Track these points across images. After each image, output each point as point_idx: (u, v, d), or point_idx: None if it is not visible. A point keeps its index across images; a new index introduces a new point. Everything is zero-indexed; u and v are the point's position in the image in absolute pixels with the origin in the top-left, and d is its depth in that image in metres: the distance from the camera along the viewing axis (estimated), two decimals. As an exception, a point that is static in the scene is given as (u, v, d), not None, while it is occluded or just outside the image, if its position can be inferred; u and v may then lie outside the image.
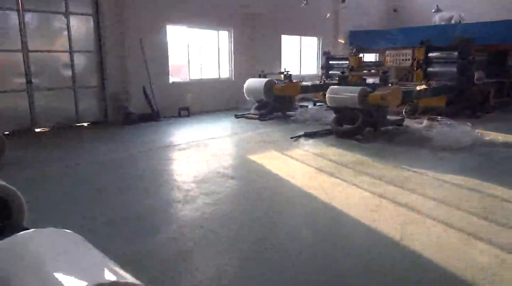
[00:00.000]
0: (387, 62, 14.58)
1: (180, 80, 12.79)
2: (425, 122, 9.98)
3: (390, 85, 9.02)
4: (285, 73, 11.65)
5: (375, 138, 8.49)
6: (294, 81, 11.73)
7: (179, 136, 9.21)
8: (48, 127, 10.21)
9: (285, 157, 7.03)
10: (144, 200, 4.98)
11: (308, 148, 7.81)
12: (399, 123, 9.44)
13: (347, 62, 14.24)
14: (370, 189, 5.26)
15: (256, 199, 5.04)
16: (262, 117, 11.27)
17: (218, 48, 13.50)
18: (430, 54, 12.01)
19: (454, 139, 7.87)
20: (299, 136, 8.65)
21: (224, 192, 5.25)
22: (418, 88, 9.65)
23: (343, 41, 17.35)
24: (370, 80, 13.92)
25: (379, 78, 8.95)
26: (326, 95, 8.84)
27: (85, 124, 10.89)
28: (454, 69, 11.49)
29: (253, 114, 11.58)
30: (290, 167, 6.37)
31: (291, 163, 6.65)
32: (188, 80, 12.82)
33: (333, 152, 7.44)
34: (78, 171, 6.36)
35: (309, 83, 12.52)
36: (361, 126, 8.47)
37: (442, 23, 15.65)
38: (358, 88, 8.34)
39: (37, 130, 10.05)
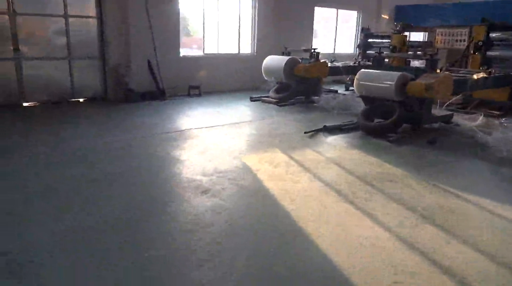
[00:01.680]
0: (437, 42, 12.23)
1: (192, 55, 11.17)
2: (481, 119, 7.89)
3: (438, 71, 6.97)
4: (311, 51, 9.73)
5: (413, 139, 6.58)
6: (321, 60, 9.81)
7: (175, 121, 7.67)
8: (38, 102, 8.97)
9: (289, 161, 5.32)
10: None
11: (323, 149, 6.05)
12: (447, 119, 7.42)
13: (389, 41, 12.06)
14: (397, 230, 3.50)
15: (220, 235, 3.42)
16: (280, 102, 9.51)
17: (239, 20, 11.70)
18: (492, 35, 9.66)
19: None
20: (316, 131, 6.87)
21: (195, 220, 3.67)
22: (475, 76, 7.53)
23: (387, 17, 15.00)
24: (415, 63, 11.76)
25: (425, 62, 6.91)
26: (354, 81, 6.95)
27: (81, 100, 9.58)
28: (521, 54, 9.15)
29: (271, 98, 9.84)
30: (290, 181, 4.67)
31: (295, 172, 4.94)
32: (202, 54, 11.17)
33: (354, 157, 5.65)
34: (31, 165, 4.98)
35: (339, 64, 10.54)
36: (396, 122, 6.57)
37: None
38: (396, 74, 6.39)
39: (26, 104, 8.83)
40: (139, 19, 9.60)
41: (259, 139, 6.53)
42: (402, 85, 6.37)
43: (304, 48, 10.45)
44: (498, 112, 8.81)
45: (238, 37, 11.80)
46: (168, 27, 10.21)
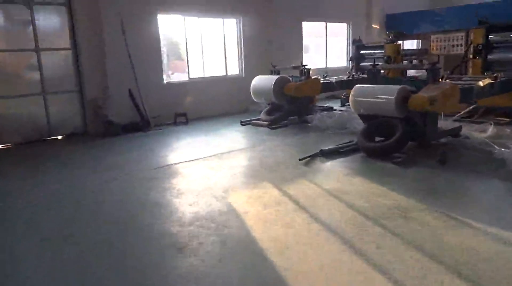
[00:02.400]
0: (432, 49, 11.63)
1: (177, 80, 10.52)
2: (491, 129, 7.16)
3: (440, 80, 6.27)
4: (302, 67, 9.07)
5: (420, 159, 5.84)
6: (312, 77, 9.14)
7: (157, 156, 6.92)
8: (12, 143, 8.25)
9: (282, 198, 4.57)
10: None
11: (321, 178, 5.29)
12: (455, 133, 6.69)
13: (382, 51, 11.44)
14: (419, 292, 2.73)
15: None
16: (272, 125, 8.80)
17: (224, 41, 11.09)
18: (491, 37, 9.03)
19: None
20: (312, 156, 6.14)
21: None
22: (481, 83, 6.83)
23: (377, 26, 14.44)
24: (411, 73, 11.13)
25: (426, 71, 6.22)
26: (350, 98, 6.25)
27: (59, 137, 8.87)
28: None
29: (262, 120, 9.13)
30: (284, 225, 3.91)
31: (289, 213, 4.18)
32: (187, 79, 10.51)
33: (357, 187, 4.89)
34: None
35: (333, 79, 9.88)
36: (399, 141, 5.84)
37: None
38: (395, 88, 5.68)
39: (-1, 147, 8.12)
40: (116, 46, 8.97)
41: (249, 171, 5.78)
42: (403, 99, 5.67)
43: (293, 65, 9.82)
44: (507, 119, 8.11)
45: (224, 59, 11.17)
46: (149, 52, 9.59)
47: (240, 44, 11.31)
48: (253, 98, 9.52)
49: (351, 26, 13.98)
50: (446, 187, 4.79)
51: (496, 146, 5.98)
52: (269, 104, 9.47)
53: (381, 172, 5.42)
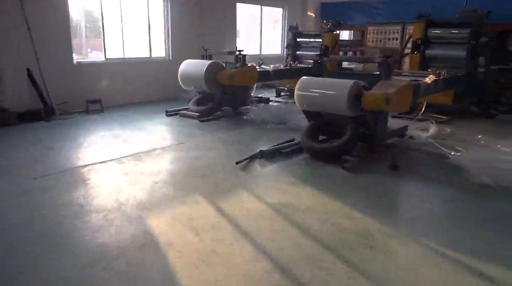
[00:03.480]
0: (368, 41, 11.26)
1: (90, 60, 8.92)
2: (433, 128, 6.79)
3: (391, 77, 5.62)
4: (237, 53, 8.03)
5: (370, 162, 5.18)
6: (249, 64, 8.17)
7: (58, 155, 5.48)
8: None
9: (218, 220, 3.57)
10: None
11: (263, 188, 4.38)
12: (402, 133, 6.16)
13: (319, 40, 10.78)
14: None
15: None
16: (202, 116, 7.70)
17: (148, 17, 9.64)
18: (430, 32, 8.74)
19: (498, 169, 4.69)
20: (250, 158, 5.20)
21: None
22: (427, 80, 6.37)
23: (313, 15, 13.83)
24: (344, 65, 10.66)
25: (379, 65, 5.53)
26: (295, 92, 5.38)
27: None
28: (462, 52, 8.30)
29: (191, 111, 7.99)
30: (223, 263, 2.93)
31: (227, 242, 3.20)
32: (103, 60, 8.95)
33: (307, 200, 4.05)
34: None
35: (270, 68, 9.00)
36: (349, 143, 5.11)
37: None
38: (348, 83, 4.90)
39: None
40: (11, 16, 7.20)
41: (175, 178, 4.67)
42: (356, 96, 4.91)
43: (227, 50, 8.75)
44: (445, 117, 7.87)
45: (148, 38, 9.73)
46: (55, 27, 7.90)
47: (167, 23, 9.95)
48: (181, 85, 8.31)
49: (286, 12, 13.18)
50: (405, 202, 4.14)
51: (443, 148, 5.53)
52: (199, 93, 8.34)
53: (331, 179, 4.64)
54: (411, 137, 6.33)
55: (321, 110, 5.34)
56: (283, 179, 4.65)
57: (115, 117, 7.85)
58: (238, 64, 7.91)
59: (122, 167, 4.92)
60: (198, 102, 8.21)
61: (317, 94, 5.14)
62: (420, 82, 6.24)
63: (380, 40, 10.91)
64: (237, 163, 4.98)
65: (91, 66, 8.73)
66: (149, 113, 8.27)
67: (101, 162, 5.06)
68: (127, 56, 9.35)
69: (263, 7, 12.45)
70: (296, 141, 5.80)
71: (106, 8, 8.74)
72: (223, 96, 8.05)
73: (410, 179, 4.70)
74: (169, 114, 8.08)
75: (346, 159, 5.10)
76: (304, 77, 5.44)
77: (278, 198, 4.06)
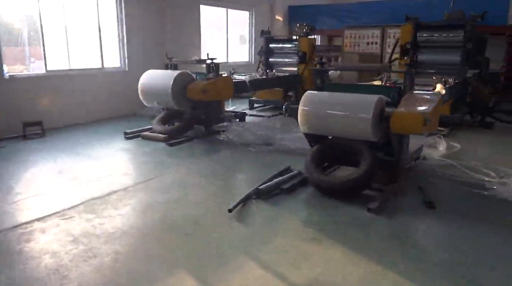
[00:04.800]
0: (345, 46, 10.31)
1: (26, 74, 7.23)
2: (442, 144, 5.83)
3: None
4: (208, 61, 6.69)
5: (398, 197, 4.05)
6: (224, 75, 6.87)
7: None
8: None
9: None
10: None
11: (274, 252, 3.09)
12: (418, 155, 5.11)
13: (290, 45, 9.68)
14: None
15: None
16: (170, 138, 6.30)
17: (99, 21, 8.08)
18: (419, 36, 7.89)
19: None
20: (245, 200, 3.91)
21: None
22: (440, 90, 5.39)
23: (281, 19, 12.75)
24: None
25: (404, 75, 4.42)
26: (300, 112, 4.13)
27: None
28: (455, 57, 7.49)
29: (156, 132, 6.56)
30: None
31: None
32: (43, 72, 7.29)
33: (344, 270, 2.82)
34: None
35: (246, 77, 7.73)
36: (371, 173, 3.95)
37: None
38: (372, 100, 3.75)
39: None
40: None
41: (146, 242, 3.27)
42: (380, 116, 3.77)
43: (196, 58, 7.41)
44: (444, 129, 6.97)
45: (99, 46, 8.15)
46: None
47: (121, 27, 8.42)
48: (143, 101, 6.86)
49: (254, 15, 11.99)
50: (492, 270, 2.98)
51: (468, 171, 4.54)
52: (164, 109, 6.93)
53: (361, 229, 3.45)
54: (424, 158, 5.31)
55: (334, 134, 4.15)
56: (298, 232, 3.40)
57: (60, 143, 6.25)
58: (211, 75, 6.59)
59: (68, 226, 3.45)
60: (164, 121, 6.80)
61: (330, 114, 3.94)
62: (439, 94, 5.22)
63: (359, 45, 10.00)
64: (229, 210, 3.66)
65: (28, 80, 7.05)
66: (103, 136, 6.74)
67: (38, 219, 3.56)
68: (73, 67, 7.73)
69: (228, 10, 11.18)
70: (295, 172, 4.58)
71: (46, 10, 7.13)
72: (193, 113, 6.70)
73: (463, 225, 3.57)
74: (128, 136, 6.60)
75: (367, 195, 3.95)
76: (309, 91, 4.23)
77: (304, 271, 2.80)
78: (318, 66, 4.61)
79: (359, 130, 3.77)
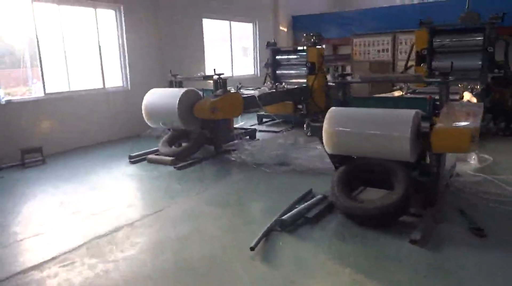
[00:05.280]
0: (355, 54, 9.91)
1: (24, 98, 6.84)
2: (474, 157, 5.35)
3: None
4: (215, 77, 6.29)
5: (438, 222, 3.57)
6: (231, 90, 6.47)
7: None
8: None
9: None
10: None
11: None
12: (452, 172, 4.64)
13: (297, 56, 9.30)
14: None
15: None
16: (178, 161, 5.87)
17: (99, 40, 7.72)
18: (435, 41, 7.47)
19: None
20: (267, 234, 3.45)
21: None
22: (471, 99, 4.94)
23: (285, 29, 12.40)
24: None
25: (438, 84, 3.99)
26: (326, 131, 3.68)
27: None
28: (476, 62, 7.06)
29: (163, 154, 6.13)
30: None
31: None
32: (42, 95, 6.91)
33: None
34: None
35: (255, 92, 7.30)
36: (408, 197, 3.48)
37: (415, 1, 11.38)
38: (409, 116, 3.30)
39: None
40: None
41: (159, 288, 2.82)
42: (418, 134, 3.32)
43: (202, 74, 7.01)
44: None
45: (100, 66, 7.78)
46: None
47: (123, 46, 8.06)
48: (147, 122, 6.45)
49: (257, 27, 11.64)
50: None
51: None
52: (169, 129, 6.52)
53: (405, 267, 2.97)
54: (457, 174, 4.84)
55: (365, 155, 3.70)
56: (333, 272, 2.93)
57: (61, 171, 5.83)
58: (218, 91, 6.17)
59: (68, 275, 2.99)
60: (170, 142, 6.39)
61: (361, 134, 3.50)
62: (482, 105, 4.74)
63: (369, 53, 9.59)
64: (252, 248, 3.19)
65: (26, 104, 6.66)
66: (106, 161, 6.33)
67: (35, 267, 3.11)
68: (74, 88, 7.35)
69: (232, 22, 10.83)
70: (319, 196, 4.11)
71: (44, 31, 6.78)
72: (201, 132, 6.27)
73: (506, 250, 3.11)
74: (133, 160, 6.17)
75: (404, 221, 3.48)
76: (334, 108, 3.79)
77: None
78: (339, 78, 4.15)
79: (395, 150, 3.33)
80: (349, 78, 4.29)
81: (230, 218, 3.96)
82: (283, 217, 3.63)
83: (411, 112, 3.31)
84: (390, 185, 3.64)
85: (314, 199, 4.06)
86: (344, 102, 4.12)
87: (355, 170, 3.87)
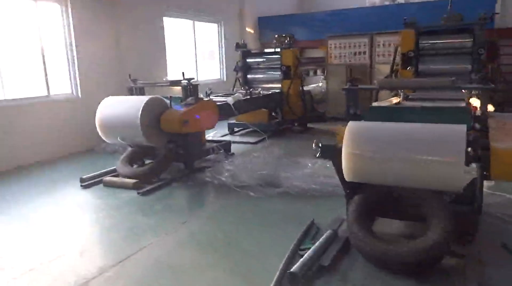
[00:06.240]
0: (330, 57, 9.23)
1: None
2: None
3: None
4: (184, 82, 5.27)
5: (484, 267, 2.81)
6: (204, 98, 5.48)
7: None
8: None
9: None
10: None
11: None
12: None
13: (265, 59, 8.49)
14: None
15: None
16: (141, 184, 4.79)
17: (40, 39, 6.44)
18: (421, 43, 6.90)
19: None
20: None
21: None
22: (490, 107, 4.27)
23: (252, 31, 11.55)
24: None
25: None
26: (347, 155, 2.81)
27: None
28: (466, 65, 6.55)
29: (122, 175, 5.03)
30: None
31: None
32: (-33, 106, 5.57)
33: None
34: None
35: (229, 99, 6.31)
36: (449, 234, 2.68)
37: (386, 2, 10.91)
38: (460, 134, 2.50)
39: None
40: None
41: None
42: (467, 157, 2.53)
43: (167, 79, 5.97)
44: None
45: (44, 69, 6.50)
46: None
47: (70, 46, 6.81)
48: (102, 136, 5.31)
49: (222, 28, 10.68)
50: None
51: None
52: (131, 145, 5.42)
53: None
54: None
55: (399, 184, 2.85)
56: None
57: (-8, 201, 4.57)
58: (189, 99, 5.16)
59: None
60: (131, 160, 5.29)
61: (397, 158, 2.65)
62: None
63: (345, 55, 8.93)
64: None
65: None
66: (51, 185, 5.11)
67: None
68: (8, 97, 6.04)
69: (196, 23, 9.80)
70: (328, 232, 3.23)
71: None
72: (168, 147, 5.21)
73: None
74: (86, 184, 5.00)
75: (444, 266, 2.69)
76: (352, 122, 2.91)
77: None
78: (348, 85, 3.31)
79: (443, 179, 2.51)
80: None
81: (219, 269, 2.98)
82: (292, 270, 2.70)
83: (462, 129, 2.51)
84: (420, 217, 2.85)
85: (323, 238, 3.17)
86: (356, 114, 3.27)
87: (376, 200, 3.03)
